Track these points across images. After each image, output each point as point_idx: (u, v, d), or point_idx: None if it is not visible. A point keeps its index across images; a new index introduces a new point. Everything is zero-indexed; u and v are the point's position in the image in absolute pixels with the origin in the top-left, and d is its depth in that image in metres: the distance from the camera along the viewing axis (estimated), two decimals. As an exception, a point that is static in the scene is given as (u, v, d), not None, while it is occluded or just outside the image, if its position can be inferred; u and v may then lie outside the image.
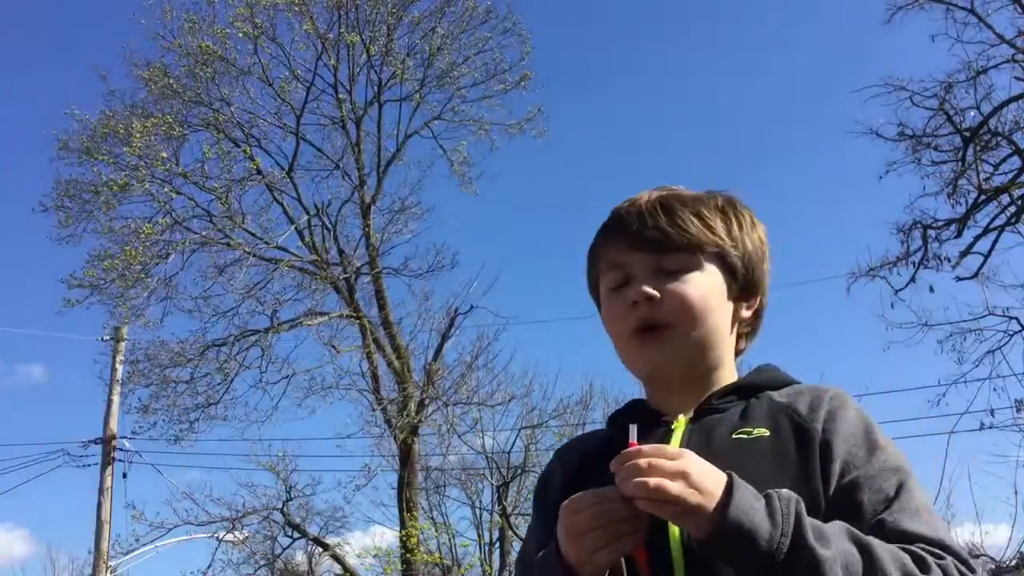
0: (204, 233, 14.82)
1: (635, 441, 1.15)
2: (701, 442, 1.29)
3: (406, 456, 14.78)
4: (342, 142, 15.82)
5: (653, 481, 1.08)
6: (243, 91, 15.21)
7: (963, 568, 1.13)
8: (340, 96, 15.63)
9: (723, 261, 1.40)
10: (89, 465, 15.70)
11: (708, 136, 30.13)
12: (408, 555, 13.98)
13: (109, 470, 15.47)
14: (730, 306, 1.42)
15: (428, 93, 16.00)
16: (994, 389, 12.83)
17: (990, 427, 11.35)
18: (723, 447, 1.28)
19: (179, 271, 14.86)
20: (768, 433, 1.29)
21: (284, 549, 16.16)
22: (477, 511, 17.11)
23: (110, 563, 15.00)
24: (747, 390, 1.39)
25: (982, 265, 11.96)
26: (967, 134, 12.11)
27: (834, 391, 1.36)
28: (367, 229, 15.44)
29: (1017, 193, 11.92)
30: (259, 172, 15.10)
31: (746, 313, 1.45)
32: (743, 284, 1.43)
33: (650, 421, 1.36)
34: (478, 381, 15.56)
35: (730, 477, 1.11)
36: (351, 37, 14.95)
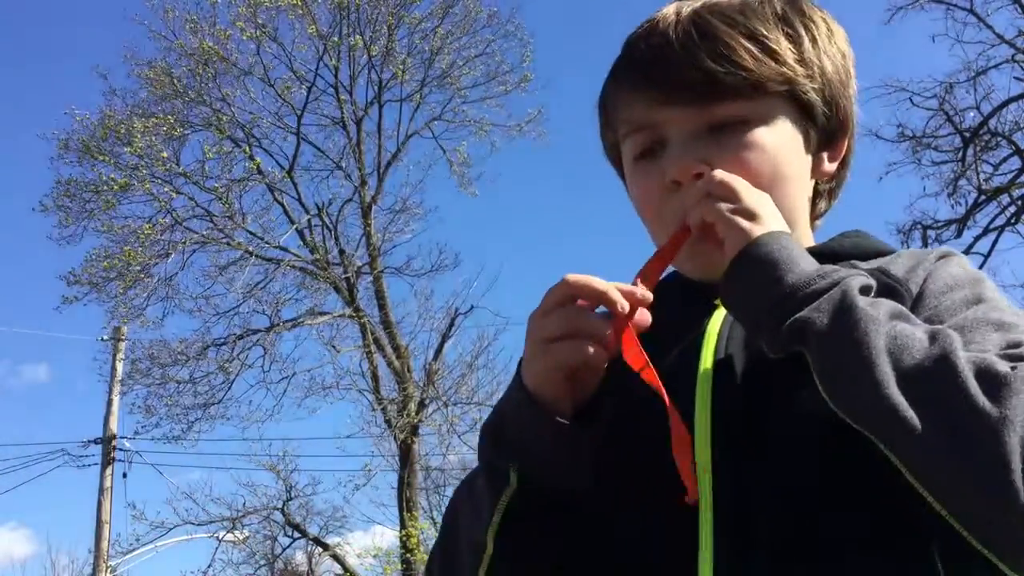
0: (204, 233, 14.84)
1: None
2: (748, 349, 0.96)
3: (406, 456, 14.78)
4: (343, 142, 15.85)
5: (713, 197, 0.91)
6: (244, 91, 15.24)
7: None
8: (341, 96, 15.67)
9: (795, 101, 1.00)
10: (89, 465, 15.69)
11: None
12: (408, 555, 13.98)
13: (109, 470, 15.46)
14: (808, 162, 1.04)
15: (428, 94, 16.05)
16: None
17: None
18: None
19: (179, 271, 14.89)
20: None
21: (284, 549, 16.20)
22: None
23: (110, 563, 14.99)
24: (827, 259, 0.96)
25: (982, 265, 11.98)
26: (967, 134, 12.14)
27: (943, 250, 1.01)
28: (368, 229, 15.45)
29: (1017, 193, 11.96)
30: (259, 172, 15.12)
31: (829, 167, 1.07)
32: (826, 127, 1.04)
33: (692, 299, 1.03)
34: (478, 381, 15.60)
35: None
36: (354, 41, 14.97)
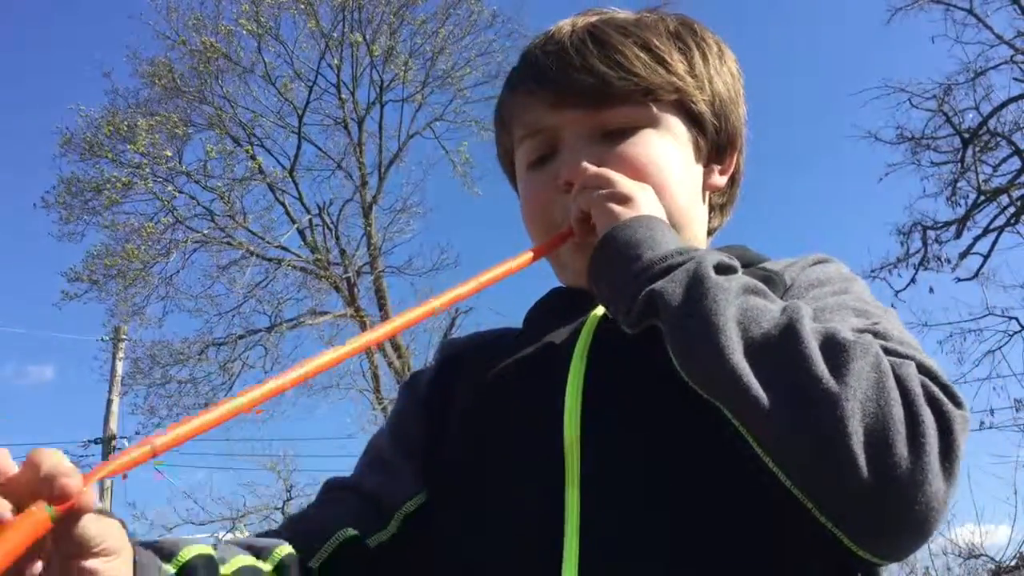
0: (206, 232, 14.84)
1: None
2: (616, 332, 0.91)
3: (407, 456, 14.75)
4: (344, 142, 15.85)
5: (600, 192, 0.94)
6: (246, 90, 15.24)
7: (931, 383, 0.76)
8: (342, 96, 15.67)
9: (685, 111, 1.03)
10: (89, 465, 15.65)
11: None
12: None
13: (109, 469, 15.40)
14: (699, 172, 1.06)
15: (430, 94, 16.04)
16: (994, 389, 12.93)
17: (990, 427, 11.39)
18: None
19: (180, 270, 14.89)
20: None
21: (284, 549, 16.11)
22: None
23: (110, 562, 14.94)
24: None
25: (982, 266, 12.02)
26: (966, 135, 12.16)
27: (820, 256, 1.03)
28: (368, 229, 15.46)
29: (1016, 194, 11.98)
30: (261, 172, 15.12)
31: (719, 180, 1.10)
32: (715, 140, 1.07)
33: (574, 305, 1.02)
34: (478, 381, 15.52)
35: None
36: (356, 37, 14.98)
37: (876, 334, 0.81)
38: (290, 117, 15.41)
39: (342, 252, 15.44)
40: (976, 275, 12.00)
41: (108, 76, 14.98)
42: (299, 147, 15.41)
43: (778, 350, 0.75)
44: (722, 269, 0.84)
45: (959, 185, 12.17)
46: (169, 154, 14.34)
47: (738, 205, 1.17)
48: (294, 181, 15.44)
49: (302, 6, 14.71)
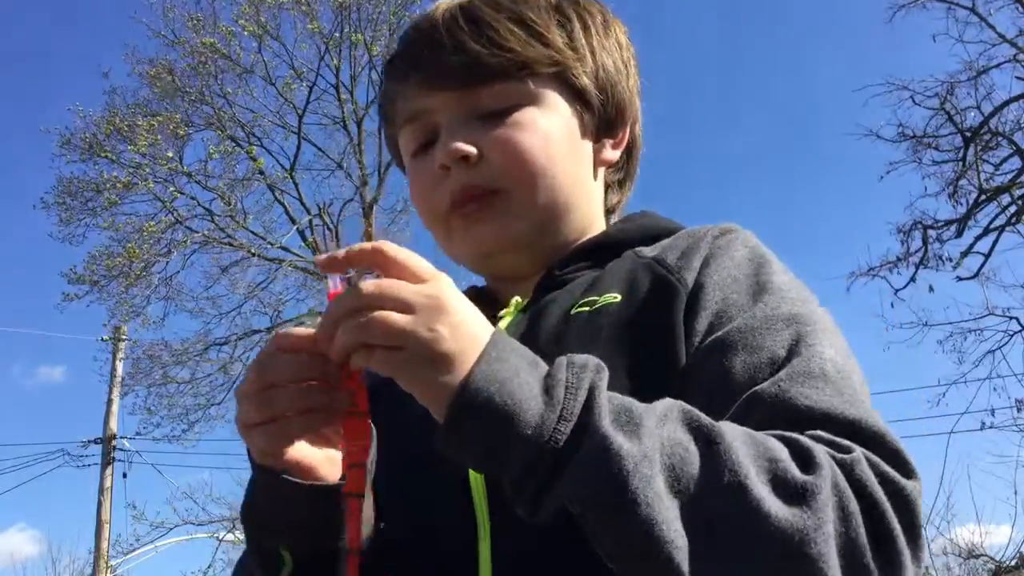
0: (206, 232, 14.84)
1: (338, 290, 0.71)
2: (527, 331, 0.91)
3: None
4: (344, 142, 15.85)
5: (373, 314, 0.66)
6: (246, 90, 15.24)
7: (882, 462, 0.69)
8: (342, 96, 15.66)
9: (567, 85, 0.98)
10: (89, 465, 15.68)
11: (708, 136, 30.19)
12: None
13: (109, 470, 15.44)
14: (587, 147, 1.02)
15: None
16: (994, 389, 12.93)
17: (990, 427, 11.39)
18: (550, 330, 0.90)
19: (180, 270, 14.89)
20: (619, 299, 0.89)
21: (284, 549, 16.11)
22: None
23: (111, 563, 14.98)
24: (606, 250, 0.98)
25: (982, 265, 12.00)
26: (968, 134, 12.15)
27: (722, 228, 0.96)
28: (369, 229, 15.45)
29: (1017, 193, 11.97)
30: (261, 172, 15.12)
31: (612, 154, 1.05)
32: (602, 113, 1.02)
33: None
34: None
35: (497, 329, 0.71)
36: (357, 37, 14.97)
37: (803, 377, 0.75)
38: (289, 117, 15.42)
39: (342, 252, 15.41)
40: (977, 274, 11.99)
41: (107, 75, 14.99)
42: (299, 147, 15.42)
43: (731, 526, 0.64)
44: (618, 413, 0.67)
45: (960, 184, 12.16)
46: (171, 155, 14.34)
47: (637, 177, 1.12)
48: (294, 181, 15.45)
49: (303, 8, 14.70)
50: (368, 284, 0.68)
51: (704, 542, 0.63)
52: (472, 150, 0.94)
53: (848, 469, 0.67)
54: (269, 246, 15.10)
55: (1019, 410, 11.43)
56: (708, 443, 0.66)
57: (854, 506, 0.66)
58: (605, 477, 0.63)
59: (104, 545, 15.02)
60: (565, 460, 0.64)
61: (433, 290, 0.68)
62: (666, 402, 0.70)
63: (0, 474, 19.59)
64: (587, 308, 0.90)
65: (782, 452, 0.67)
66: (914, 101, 12.35)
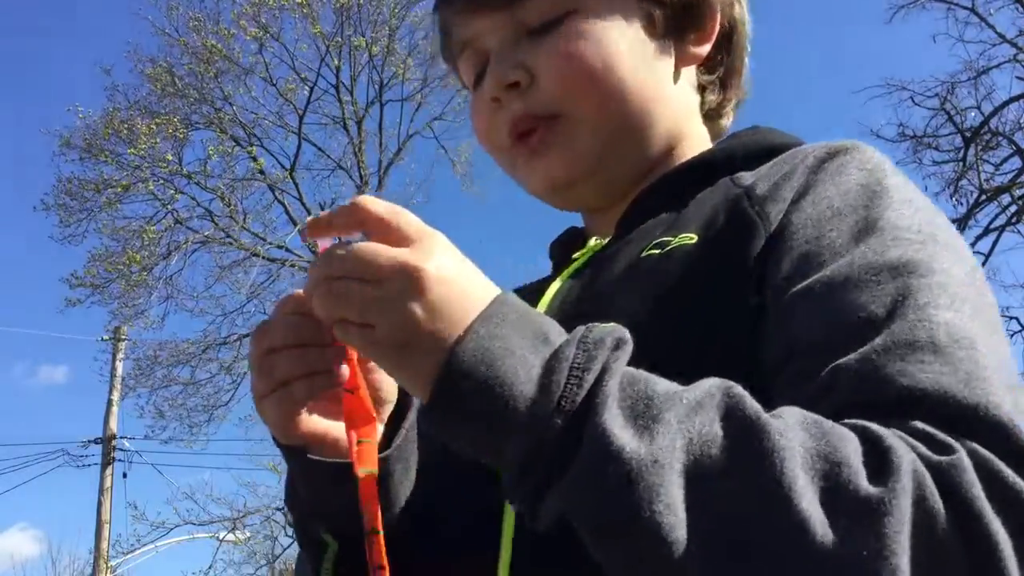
0: (207, 233, 14.84)
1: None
2: (588, 281, 0.81)
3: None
4: (344, 142, 15.85)
5: (343, 286, 0.59)
6: (246, 90, 15.24)
7: (1002, 465, 0.50)
8: (342, 96, 15.67)
9: None
10: (89, 465, 15.68)
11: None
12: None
13: (109, 470, 15.45)
14: (662, 47, 0.87)
15: (430, 93, 16.03)
16: (995, 389, 12.84)
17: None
18: (611, 279, 0.78)
19: (181, 270, 14.89)
20: (695, 240, 0.75)
21: (285, 549, 16.15)
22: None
23: (111, 563, 14.98)
24: (699, 176, 0.83)
25: (982, 265, 11.97)
26: (968, 134, 12.15)
27: (833, 147, 0.77)
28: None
29: (1018, 193, 11.96)
30: (261, 172, 15.12)
31: (698, 49, 0.89)
32: (677, 4, 0.87)
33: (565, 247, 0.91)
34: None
35: (497, 298, 0.60)
36: (358, 41, 14.97)
37: (905, 347, 0.55)
38: (289, 116, 15.42)
39: (343, 252, 15.42)
40: (977, 274, 11.98)
41: (108, 73, 14.99)
42: (299, 147, 15.42)
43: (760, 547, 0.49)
44: (630, 389, 0.54)
45: (960, 184, 12.16)
46: (170, 157, 14.34)
47: (745, 72, 0.95)
48: (294, 181, 15.43)
49: (304, 10, 14.70)
50: (339, 249, 0.60)
51: (728, 568, 0.49)
52: (519, 75, 0.83)
53: (943, 475, 0.49)
54: (270, 246, 15.12)
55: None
56: (750, 440, 0.51)
57: (943, 526, 0.48)
58: (598, 486, 0.51)
59: (104, 545, 15.02)
60: (562, 461, 0.53)
61: (414, 257, 0.58)
62: (706, 384, 0.55)
63: (1, 474, 19.61)
64: (657, 251, 0.76)
65: (852, 453, 0.50)
66: (914, 101, 12.36)
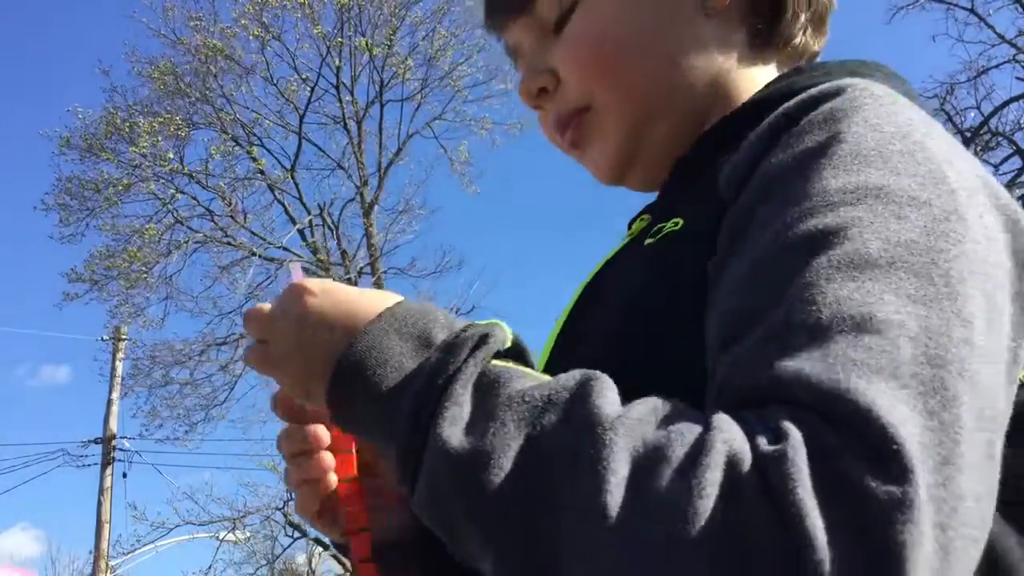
0: (207, 232, 14.85)
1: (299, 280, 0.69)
2: (604, 272, 0.81)
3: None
4: (344, 141, 15.86)
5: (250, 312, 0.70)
6: (247, 90, 15.25)
7: (850, 457, 0.44)
8: (342, 96, 15.67)
9: None
10: (89, 465, 15.68)
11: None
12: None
13: (109, 470, 15.44)
14: (679, 4, 0.80)
15: (429, 93, 16.04)
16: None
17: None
18: (609, 274, 0.79)
19: (180, 270, 14.90)
20: (680, 224, 0.71)
21: (285, 549, 16.20)
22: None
23: (111, 563, 14.98)
24: (727, 133, 0.75)
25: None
26: (968, 134, 12.16)
27: (822, 92, 0.65)
28: (369, 229, 15.45)
29: (1018, 193, 11.96)
30: (261, 172, 15.12)
31: None
32: None
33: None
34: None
35: (382, 313, 0.62)
36: (360, 42, 14.98)
37: (782, 334, 0.50)
38: (290, 116, 15.42)
39: (343, 253, 15.44)
40: (977, 274, 12.00)
41: (107, 74, 14.99)
42: (299, 147, 15.43)
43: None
44: (476, 409, 0.54)
45: (960, 184, 12.18)
46: (172, 156, 14.35)
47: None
48: (294, 181, 15.44)
49: (306, 10, 14.71)
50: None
51: (551, 566, 0.48)
52: (544, 80, 0.83)
53: (765, 466, 0.44)
54: (269, 246, 15.12)
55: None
56: (580, 437, 0.49)
57: (755, 519, 0.43)
58: (431, 487, 0.53)
59: (104, 545, 15.02)
60: (415, 468, 0.54)
61: (302, 281, 0.66)
62: (564, 379, 0.54)
63: (1, 474, 19.62)
64: (652, 240, 0.73)
65: (676, 447, 0.47)
66: (914, 101, 12.38)
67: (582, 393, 0.52)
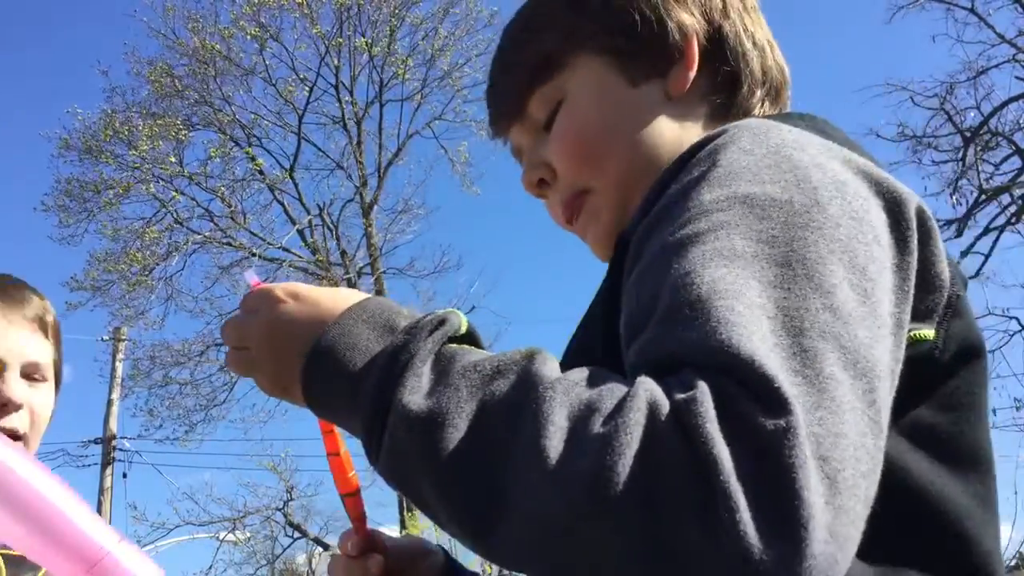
0: (206, 233, 14.85)
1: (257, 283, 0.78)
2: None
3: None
4: (343, 142, 15.86)
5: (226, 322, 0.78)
6: (246, 90, 15.25)
7: (742, 398, 0.52)
8: (341, 96, 15.67)
9: (594, 50, 0.92)
10: (89, 465, 15.68)
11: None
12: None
13: (109, 470, 15.45)
14: (648, 93, 0.91)
15: (429, 93, 16.04)
16: (994, 389, 12.90)
17: (991, 427, 11.37)
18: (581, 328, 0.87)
19: (180, 271, 14.91)
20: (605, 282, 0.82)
21: (285, 549, 16.22)
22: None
23: (111, 563, 14.96)
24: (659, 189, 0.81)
25: (982, 265, 11.98)
26: (968, 134, 12.15)
27: (704, 141, 0.75)
28: (368, 229, 15.46)
29: (1017, 193, 11.96)
30: (261, 172, 15.12)
31: (682, 77, 0.91)
32: (638, 52, 0.91)
33: None
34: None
35: (352, 306, 0.70)
36: (360, 42, 14.98)
37: (672, 316, 0.59)
38: (289, 116, 15.42)
39: (343, 253, 15.44)
40: (977, 274, 11.97)
41: (106, 74, 15.01)
42: (299, 147, 15.43)
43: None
44: (437, 379, 0.62)
45: (960, 184, 12.16)
46: (173, 159, 14.35)
47: (762, 73, 0.94)
48: (294, 181, 15.45)
49: (304, 10, 14.71)
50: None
51: (496, 515, 0.55)
52: (541, 173, 0.95)
53: (679, 409, 0.52)
54: (269, 246, 15.12)
55: (1019, 409, 11.43)
56: (526, 392, 0.57)
57: (671, 451, 0.51)
58: (392, 446, 0.61)
59: (104, 545, 15.00)
60: (379, 434, 0.62)
61: (270, 287, 0.75)
62: (513, 353, 0.62)
63: (1, 474, 19.57)
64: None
65: (605, 400, 0.55)
66: (914, 101, 12.36)
67: (526, 362, 0.60)
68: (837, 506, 0.50)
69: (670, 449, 0.51)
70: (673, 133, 0.91)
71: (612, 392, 0.56)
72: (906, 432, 0.69)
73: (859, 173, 0.71)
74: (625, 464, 0.51)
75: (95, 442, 15.65)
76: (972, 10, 12.14)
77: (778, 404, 0.52)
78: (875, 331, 0.60)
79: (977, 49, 12.18)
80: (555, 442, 0.53)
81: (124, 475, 15.62)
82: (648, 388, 0.55)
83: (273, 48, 15.15)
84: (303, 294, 0.73)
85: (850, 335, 0.57)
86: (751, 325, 0.56)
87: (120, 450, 15.64)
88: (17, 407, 1.25)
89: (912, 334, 0.68)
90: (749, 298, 0.58)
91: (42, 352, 1.32)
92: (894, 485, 0.61)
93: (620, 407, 0.54)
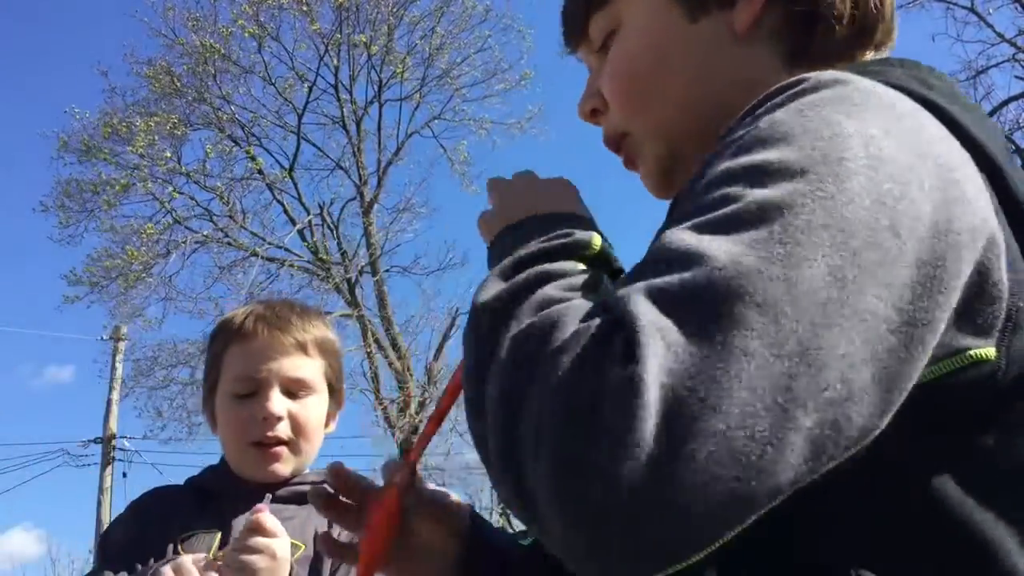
0: (206, 233, 14.85)
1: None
2: None
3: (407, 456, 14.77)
4: (343, 141, 15.86)
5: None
6: (245, 90, 15.25)
7: (615, 349, 0.54)
8: (341, 96, 15.67)
9: None
10: (89, 465, 15.68)
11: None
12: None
13: (109, 470, 15.45)
14: (708, 28, 0.83)
15: (428, 93, 16.05)
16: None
17: None
18: None
19: (180, 270, 14.91)
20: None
21: (285, 549, 16.13)
22: (477, 510, 17.10)
23: (111, 563, 14.98)
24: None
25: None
26: (967, 133, 12.16)
27: (783, 87, 0.68)
28: (368, 228, 15.46)
29: (1017, 192, 11.98)
30: (260, 172, 15.12)
31: (745, 11, 0.82)
32: None
33: None
34: (479, 381, 15.55)
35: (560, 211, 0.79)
36: (359, 39, 14.98)
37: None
38: (288, 116, 15.43)
39: (343, 252, 15.44)
40: (977, 274, 11.99)
41: (105, 75, 15.00)
42: (298, 146, 15.43)
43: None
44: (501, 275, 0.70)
45: (960, 183, 12.17)
46: (169, 155, 14.35)
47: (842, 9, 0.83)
48: (293, 181, 15.45)
49: (304, 8, 14.71)
50: None
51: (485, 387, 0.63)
52: (594, 103, 0.91)
53: (591, 334, 0.56)
54: (269, 246, 15.12)
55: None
56: (520, 301, 0.65)
57: (576, 360, 0.55)
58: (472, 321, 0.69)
59: (104, 545, 15.01)
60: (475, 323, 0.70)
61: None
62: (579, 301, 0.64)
63: (3, 473, 19.64)
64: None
65: (556, 307, 0.62)
66: (913, 100, 12.37)
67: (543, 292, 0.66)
68: (667, 472, 0.49)
69: (561, 376, 0.55)
70: (735, 76, 0.82)
71: (577, 311, 0.61)
72: (966, 468, 0.61)
73: (922, 156, 0.62)
74: (550, 353, 0.57)
75: (95, 442, 15.66)
76: (972, 9, 12.15)
77: (631, 356, 0.53)
78: (835, 317, 0.54)
79: (977, 48, 12.26)
80: (520, 338, 0.61)
81: (124, 475, 15.63)
82: (590, 314, 0.59)
83: (272, 47, 15.16)
84: (533, 181, 0.86)
85: (797, 312, 0.53)
86: (663, 282, 0.56)
87: (120, 450, 15.66)
88: (278, 419, 1.48)
89: (971, 354, 0.61)
90: (699, 256, 0.55)
91: (303, 369, 1.53)
92: (953, 532, 0.60)
93: (563, 325, 0.60)
